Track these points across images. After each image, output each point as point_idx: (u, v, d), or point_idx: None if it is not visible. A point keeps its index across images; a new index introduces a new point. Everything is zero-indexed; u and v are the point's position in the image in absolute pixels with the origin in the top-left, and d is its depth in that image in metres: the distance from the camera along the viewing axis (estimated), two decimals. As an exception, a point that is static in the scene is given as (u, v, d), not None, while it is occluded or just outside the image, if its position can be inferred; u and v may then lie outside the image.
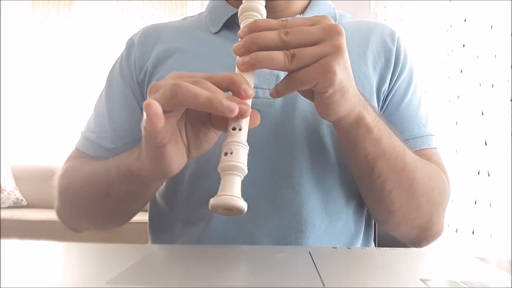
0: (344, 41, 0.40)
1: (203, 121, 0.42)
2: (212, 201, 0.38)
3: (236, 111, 0.37)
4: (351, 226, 0.60)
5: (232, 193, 0.38)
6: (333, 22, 0.41)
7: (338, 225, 0.58)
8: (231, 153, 0.38)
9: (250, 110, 0.39)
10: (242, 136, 0.39)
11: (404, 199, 0.54)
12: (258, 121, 0.42)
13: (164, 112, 0.36)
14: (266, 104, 0.56)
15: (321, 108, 0.44)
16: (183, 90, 0.37)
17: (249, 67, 0.40)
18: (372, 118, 0.48)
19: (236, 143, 0.39)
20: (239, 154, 0.39)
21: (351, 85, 0.43)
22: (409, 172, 0.53)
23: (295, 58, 0.39)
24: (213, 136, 0.43)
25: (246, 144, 0.39)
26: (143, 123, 0.38)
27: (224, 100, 0.37)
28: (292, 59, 0.39)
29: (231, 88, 0.39)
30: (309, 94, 0.45)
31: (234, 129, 0.39)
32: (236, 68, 0.42)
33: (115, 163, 0.53)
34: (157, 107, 0.35)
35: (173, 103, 0.37)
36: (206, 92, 0.37)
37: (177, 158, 0.42)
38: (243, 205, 0.38)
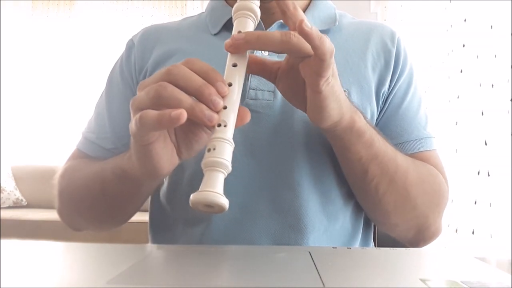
0: (333, 57, 0.40)
1: (192, 120, 0.42)
2: (192, 197, 0.38)
3: (215, 122, 0.38)
4: (349, 227, 0.60)
5: (214, 189, 0.37)
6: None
7: (336, 226, 0.58)
8: (214, 149, 0.38)
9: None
10: (227, 132, 0.39)
11: (399, 201, 0.55)
12: (247, 119, 0.42)
13: None
14: (265, 106, 0.56)
15: (315, 114, 0.44)
16: (167, 94, 0.37)
17: (244, 43, 0.40)
18: (363, 122, 0.50)
19: (220, 139, 0.39)
20: (223, 150, 0.38)
21: (341, 92, 0.45)
22: (402, 174, 0.54)
23: (294, 36, 0.38)
24: (204, 136, 0.43)
25: (231, 141, 0.39)
26: (132, 123, 0.38)
27: (206, 109, 0.37)
28: (290, 36, 0.38)
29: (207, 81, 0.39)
30: (302, 103, 0.46)
31: (219, 125, 0.39)
32: (227, 59, 0.42)
33: (111, 163, 0.54)
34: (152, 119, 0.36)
35: (157, 104, 0.37)
36: (189, 99, 0.38)
37: (166, 158, 0.42)
38: (224, 201, 0.38)
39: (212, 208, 0.38)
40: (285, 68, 0.45)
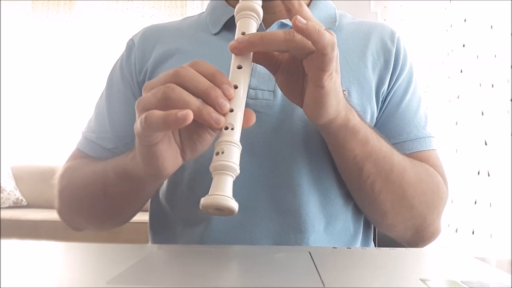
0: (335, 51, 0.40)
1: (197, 122, 0.42)
2: (203, 200, 0.38)
3: (222, 125, 0.38)
4: (350, 227, 0.60)
5: (223, 193, 0.38)
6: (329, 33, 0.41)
7: (337, 226, 0.58)
8: (223, 152, 0.39)
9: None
10: (234, 135, 0.39)
11: (395, 200, 0.55)
12: (252, 121, 0.42)
13: None
14: (265, 106, 0.56)
15: (313, 109, 0.44)
16: (175, 95, 0.38)
17: (248, 45, 0.40)
18: (357, 120, 0.50)
19: (228, 143, 0.39)
20: (231, 153, 0.39)
21: (340, 89, 0.45)
22: (398, 173, 0.54)
23: (297, 34, 0.38)
24: (208, 137, 0.43)
25: (239, 143, 0.39)
26: (137, 124, 0.38)
27: (213, 112, 0.38)
28: (293, 35, 0.38)
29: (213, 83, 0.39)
30: (299, 98, 0.46)
31: (226, 128, 0.39)
32: (232, 61, 0.42)
33: (112, 163, 0.54)
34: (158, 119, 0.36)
35: (164, 105, 0.37)
36: (196, 101, 0.38)
37: (170, 158, 0.42)
38: (234, 205, 0.38)
39: (222, 211, 0.39)
40: (288, 61, 0.45)
